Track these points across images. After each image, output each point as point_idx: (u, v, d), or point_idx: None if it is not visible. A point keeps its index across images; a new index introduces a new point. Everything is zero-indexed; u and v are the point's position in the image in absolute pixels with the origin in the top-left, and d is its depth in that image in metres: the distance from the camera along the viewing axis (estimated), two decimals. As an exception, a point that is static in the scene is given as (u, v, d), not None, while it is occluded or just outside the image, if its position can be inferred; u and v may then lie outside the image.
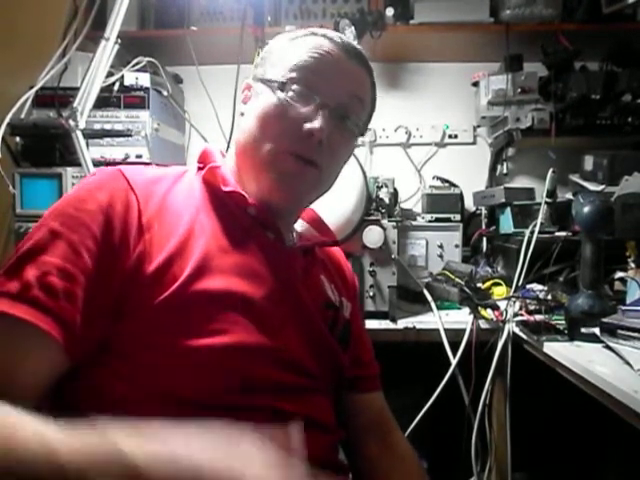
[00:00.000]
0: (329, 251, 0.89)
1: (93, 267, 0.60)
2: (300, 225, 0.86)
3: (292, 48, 0.74)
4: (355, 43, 0.77)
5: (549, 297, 1.29)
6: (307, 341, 0.72)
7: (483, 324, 1.26)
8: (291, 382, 0.69)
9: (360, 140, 0.82)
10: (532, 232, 1.38)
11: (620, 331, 0.95)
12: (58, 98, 1.40)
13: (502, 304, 1.26)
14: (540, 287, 1.35)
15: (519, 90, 1.68)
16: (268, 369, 0.67)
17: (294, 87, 0.71)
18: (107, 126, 1.48)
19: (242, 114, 0.77)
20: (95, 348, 0.61)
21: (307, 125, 0.69)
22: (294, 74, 0.71)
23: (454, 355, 1.23)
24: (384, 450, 0.83)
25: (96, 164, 1.37)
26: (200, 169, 0.75)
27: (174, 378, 0.61)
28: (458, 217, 1.67)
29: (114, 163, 1.49)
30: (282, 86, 0.71)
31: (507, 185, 1.67)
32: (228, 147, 1.58)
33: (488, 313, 1.26)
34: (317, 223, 0.87)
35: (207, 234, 0.67)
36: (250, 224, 0.72)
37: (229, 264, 0.66)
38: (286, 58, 0.73)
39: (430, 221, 1.66)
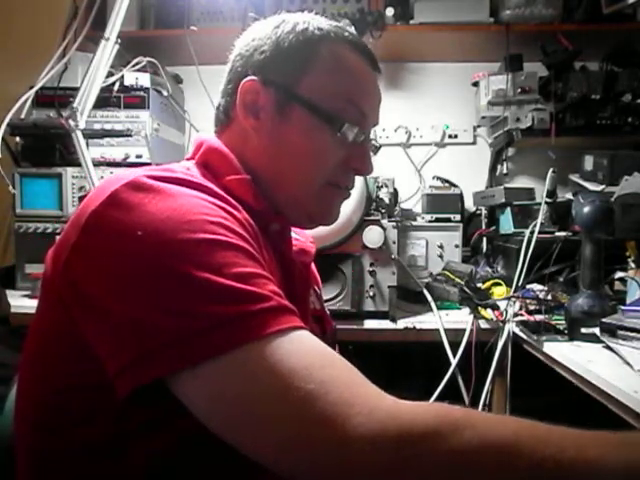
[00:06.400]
0: (304, 249, 0.84)
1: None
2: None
3: (331, 61, 0.67)
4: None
5: (549, 297, 1.29)
6: None
7: (483, 324, 1.26)
8: None
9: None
10: (532, 232, 1.38)
11: (620, 331, 0.95)
12: (58, 98, 1.40)
13: (502, 304, 1.26)
14: (540, 287, 1.35)
15: (519, 90, 1.67)
16: None
17: (347, 127, 0.67)
18: (107, 126, 1.48)
19: (256, 117, 0.69)
20: None
21: (358, 165, 0.71)
22: (344, 106, 0.67)
23: (454, 355, 1.23)
24: None
25: (96, 164, 1.37)
26: (210, 173, 0.67)
27: None
28: (458, 217, 1.66)
29: (114, 163, 1.49)
30: (336, 124, 0.67)
31: (507, 185, 1.68)
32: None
33: (488, 313, 1.26)
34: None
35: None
36: (272, 240, 0.69)
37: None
38: (330, 80, 0.67)
39: (430, 221, 1.66)
